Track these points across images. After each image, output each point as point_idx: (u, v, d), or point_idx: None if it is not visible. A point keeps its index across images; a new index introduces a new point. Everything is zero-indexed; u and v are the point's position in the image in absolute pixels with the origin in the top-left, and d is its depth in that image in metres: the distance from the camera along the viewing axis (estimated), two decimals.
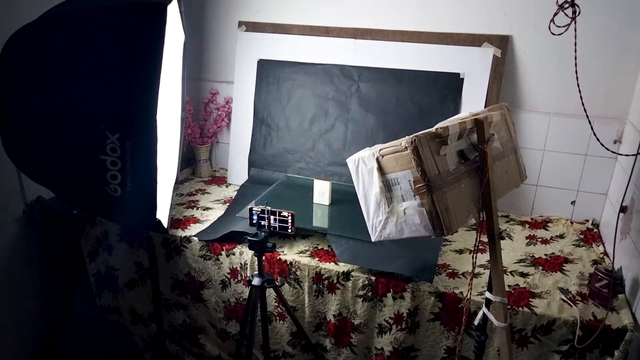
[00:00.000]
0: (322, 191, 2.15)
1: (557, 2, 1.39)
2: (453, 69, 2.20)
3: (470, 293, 1.37)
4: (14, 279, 2.09)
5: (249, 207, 1.70)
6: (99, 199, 1.87)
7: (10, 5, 1.81)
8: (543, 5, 2.04)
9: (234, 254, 1.93)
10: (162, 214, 1.91)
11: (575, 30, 1.39)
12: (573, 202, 2.23)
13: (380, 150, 1.20)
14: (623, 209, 1.79)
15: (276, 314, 1.93)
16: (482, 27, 2.17)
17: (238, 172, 2.58)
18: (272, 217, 1.79)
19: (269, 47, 2.46)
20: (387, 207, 1.22)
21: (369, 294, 1.76)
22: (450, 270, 1.81)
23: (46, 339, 2.29)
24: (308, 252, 1.90)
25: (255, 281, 1.66)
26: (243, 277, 1.94)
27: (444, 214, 1.16)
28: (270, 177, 2.46)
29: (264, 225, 1.68)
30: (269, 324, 1.92)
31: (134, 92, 1.64)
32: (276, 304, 1.91)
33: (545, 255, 1.94)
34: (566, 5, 1.37)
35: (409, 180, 1.16)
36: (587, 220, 2.21)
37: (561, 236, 2.10)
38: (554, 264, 1.87)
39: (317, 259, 1.85)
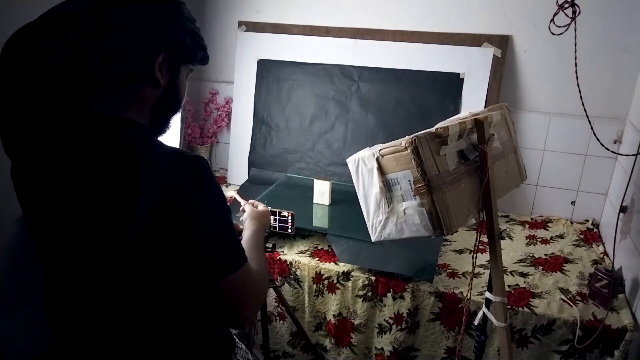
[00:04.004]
0: (322, 191, 2.15)
1: (557, 2, 1.39)
2: (453, 69, 2.20)
3: (470, 293, 1.37)
4: (14, 280, 2.09)
5: None
6: None
7: (10, 5, 1.81)
8: (543, 5, 2.04)
9: None
10: None
11: (575, 30, 1.39)
12: (573, 202, 2.23)
13: (380, 150, 1.20)
14: (623, 209, 1.79)
15: (276, 314, 1.93)
16: (482, 27, 2.17)
17: (238, 172, 2.58)
18: (272, 217, 1.80)
19: (269, 47, 2.46)
20: (387, 207, 1.22)
21: (369, 294, 1.76)
22: (450, 270, 1.81)
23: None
24: (308, 252, 1.90)
25: None
26: None
27: (444, 214, 1.16)
28: (270, 177, 2.46)
29: None
30: (269, 324, 1.92)
31: None
32: (276, 304, 1.91)
33: (545, 255, 1.94)
34: (566, 5, 1.38)
35: (409, 180, 1.16)
36: (587, 220, 2.21)
37: (561, 236, 2.10)
38: (554, 264, 1.87)
39: (317, 259, 1.85)
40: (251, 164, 2.54)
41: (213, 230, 0.81)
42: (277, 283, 1.75)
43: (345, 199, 2.16)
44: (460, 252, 1.95)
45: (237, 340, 1.12)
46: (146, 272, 0.82)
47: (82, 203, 0.80)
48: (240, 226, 1.23)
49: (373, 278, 1.74)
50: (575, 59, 1.44)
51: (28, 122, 0.84)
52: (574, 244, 2.03)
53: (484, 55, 2.16)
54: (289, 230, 1.87)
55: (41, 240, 0.90)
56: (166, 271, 0.82)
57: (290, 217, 1.84)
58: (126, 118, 0.84)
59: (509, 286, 1.71)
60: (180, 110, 0.97)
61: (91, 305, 0.87)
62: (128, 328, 0.88)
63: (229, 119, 2.63)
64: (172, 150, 0.81)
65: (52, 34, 0.82)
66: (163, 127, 0.95)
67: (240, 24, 2.50)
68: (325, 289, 1.82)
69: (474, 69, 2.17)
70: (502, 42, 2.14)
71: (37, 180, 0.84)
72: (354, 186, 1.31)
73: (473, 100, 2.17)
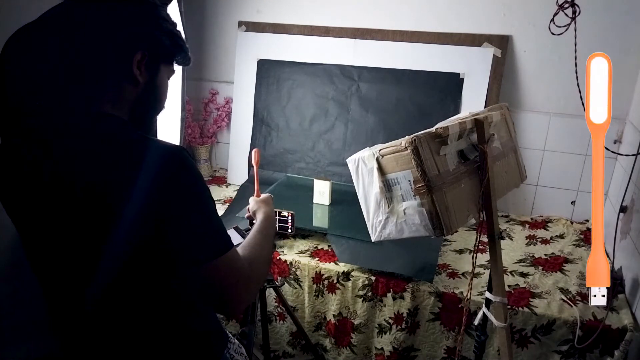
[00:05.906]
0: (322, 191, 2.15)
1: (557, 2, 1.39)
2: (453, 69, 2.20)
3: (470, 293, 1.37)
4: (14, 280, 2.09)
5: None
6: None
7: (10, 5, 1.81)
8: (543, 5, 2.04)
9: None
10: None
11: (575, 30, 1.39)
12: (573, 202, 2.23)
13: (380, 150, 1.20)
14: (623, 209, 1.79)
15: (276, 314, 1.93)
16: (482, 27, 2.17)
17: (238, 172, 2.58)
18: None
19: (269, 47, 2.46)
20: (387, 207, 1.22)
21: (369, 294, 1.76)
22: (450, 270, 1.81)
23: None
24: (308, 252, 1.90)
25: None
26: None
27: (444, 214, 1.16)
28: (270, 177, 2.46)
29: None
30: (269, 324, 1.92)
31: None
32: (276, 304, 1.91)
33: (545, 255, 1.94)
34: (566, 5, 1.38)
35: (409, 180, 1.16)
36: (587, 220, 2.21)
37: (561, 236, 2.10)
38: (554, 264, 1.87)
39: (317, 259, 1.85)
40: (251, 164, 2.54)
41: (195, 218, 0.83)
42: (277, 283, 1.75)
43: (345, 199, 2.16)
44: (460, 252, 1.95)
45: (229, 335, 1.13)
46: (135, 264, 0.84)
47: (64, 194, 0.82)
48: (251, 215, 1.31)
49: (373, 278, 1.74)
50: (575, 59, 1.44)
51: (20, 116, 0.88)
52: (574, 244, 2.03)
53: (484, 55, 2.16)
54: (289, 230, 1.87)
55: (26, 234, 0.91)
56: (153, 260, 0.84)
57: (290, 217, 1.84)
58: (109, 113, 0.88)
59: (509, 286, 1.71)
60: (162, 109, 1.00)
61: (84, 301, 0.89)
62: (121, 324, 0.90)
63: (229, 119, 2.63)
64: (153, 141, 0.83)
65: (45, 34, 0.87)
66: (144, 124, 0.98)
67: (240, 24, 2.50)
68: (325, 289, 1.82)
69: (474, 69, 2.17)
70: (502, 42, 2.14)
71: (23, 171, 0.86)
72: (354, 186, 1.31)
73: (473, 100, 2.17)
